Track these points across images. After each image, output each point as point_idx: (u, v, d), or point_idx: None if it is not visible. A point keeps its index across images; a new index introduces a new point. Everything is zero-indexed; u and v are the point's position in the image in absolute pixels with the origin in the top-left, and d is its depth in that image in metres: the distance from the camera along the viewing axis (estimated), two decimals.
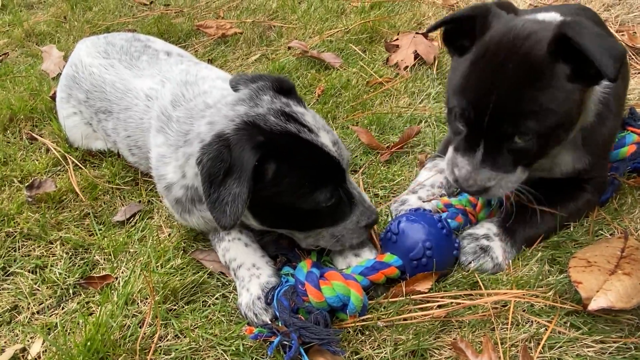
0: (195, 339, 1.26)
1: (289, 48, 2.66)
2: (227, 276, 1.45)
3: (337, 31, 2.75)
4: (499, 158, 1.26)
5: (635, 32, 2.66)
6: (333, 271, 1.27)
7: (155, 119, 1.53)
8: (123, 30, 2.98)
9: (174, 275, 1.43)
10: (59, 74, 2.51)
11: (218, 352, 1.24)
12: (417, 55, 2.38)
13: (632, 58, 2.52)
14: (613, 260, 1.30)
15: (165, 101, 1.53)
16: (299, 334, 1.15)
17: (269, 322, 1.24)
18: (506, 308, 1.26)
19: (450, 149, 1.38)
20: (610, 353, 1.17)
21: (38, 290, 1.49)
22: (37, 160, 1.99)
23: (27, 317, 1.42)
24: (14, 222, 1.69)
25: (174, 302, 1.38)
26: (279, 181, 1.25)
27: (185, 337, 1.28)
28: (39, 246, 1.63)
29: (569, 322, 1.23)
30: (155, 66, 1.76)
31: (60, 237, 1.64)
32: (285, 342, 1.16)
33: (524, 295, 1.27)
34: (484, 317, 1.23)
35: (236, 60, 2.70)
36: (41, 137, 2.11)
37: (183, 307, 1.37)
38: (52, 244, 1.63)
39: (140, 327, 1.30)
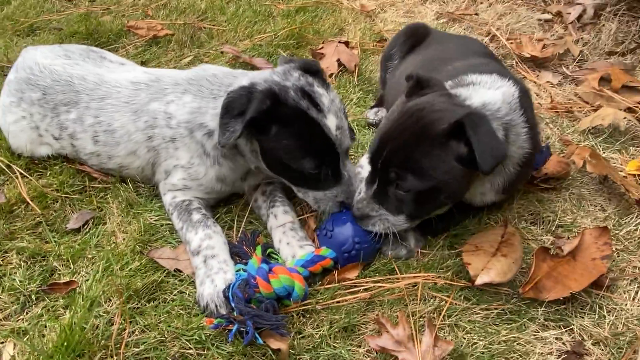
0: (160, 332, 1.47)
1: (222, 53, 2.82)
2: (182, 273, 1.65)
3: (267, 36, 2.95)
4: (386, 198, 1.56)
5: (521, 41, 3.11)
6: (279, 266, 1.53)
7: (172, 86, 1.83)
8: (49, 29, 2.97)
9: (134, 277, 1.61)
10: None
11: (182, 342, 1.45)
12: (340, 63, 2.65)
13: (518, 64, 2.97)
14: (495, 245, 1.67)
15: (182, 74, 1.88)
16: (253, 321, 1.40)
17: (226, 314, 1.47)
18: (416, 288, 1.58)
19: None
20: (492, 317, 1.54)
21: (1, 299, 1.60)
22: None
23: None
24: None
25: (137, 301, 1.56)
26: (278, 140, 1.61)
27: (151, 331, 1.48)
28: None
29: (463, 296, 1.58)
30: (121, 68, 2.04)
31: (15, 246, 1.74)
32: (242, 329, 1.40)
33: (429, 276, 1.61)
34: (400, 296, 1.55)
35: (169, 62, 2.81)
36: None
37: (145, 305, 1.56)
38: (7, 253, 1.73)
39: (110, 326, 1.48)
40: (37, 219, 1.84)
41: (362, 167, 1.86)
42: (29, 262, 1.70)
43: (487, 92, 1.62)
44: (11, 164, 2.01)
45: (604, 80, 2.75)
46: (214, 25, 3.09)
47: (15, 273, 1.66)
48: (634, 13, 3.36)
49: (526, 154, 1.66)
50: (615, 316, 1.57)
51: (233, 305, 1.47)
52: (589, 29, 3.36)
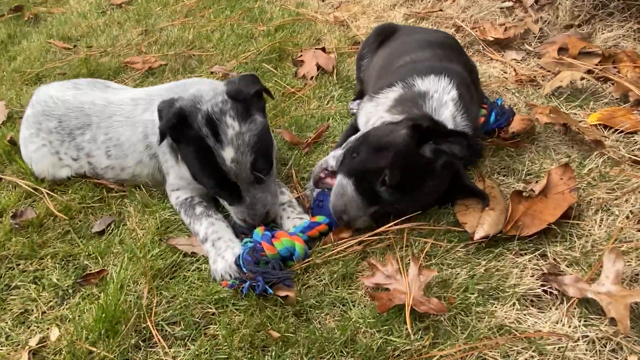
0: (184, 299, 1.68)
1: (212, 73, 3.09)
2: (196, 254, 1.87)
3: (250, 53, 3.23)
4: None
5: (484, 28, 3.37)
6: (281, 231, 1.74)
7: (158, 97, 2.01)
8: (54, 75, 3.27)
9: (156, 260, 1.83)
10: (4, 121, 2.79)
11: (204, 305, 1.66)
12: (319, 67, 2.91)
13: (485, 48, 3.22)
14: (479, 201, 1.85)
15: (169, 85, 2.20)
16: (263, 277, 1.61)
17: (239, 276, 1.68)
18: (402, 235, 1.79)
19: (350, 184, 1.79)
20: (472, 252, 1.73)
21: (42, 295, 1.82)
22: (7, 197, 2.28)
23: (38, 315, 1.75)
24: (6, 247, 2.00)
25: (161, 279, 1.78)
26: (185, 155, 1.83)
27: (175, 300, 1.69)
28: (32, 262, 1.94)
29: (445, 239, 1.78)
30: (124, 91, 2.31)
31: (49, 252, 1.97)
32: (254, 284, 1.60)
33: (414, 224, 1.81)
34: (389, 243, 1.76)
35: None
36: (5, 176, 2.39)
37: (168, 282, 1.78)
38: (42, 259, 1.96)
39: (140, 300, 1.69)
40: (65, 228, 2.07)
41: (332, 157, 1.98)
42: (62, 263, 1.93)
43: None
44: (37, 187, 2.26)
45: (564, 50, 3.00)
46: (202, 52, 3.39)
47: (52, 273, 1.88)
48: None
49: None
50: (585, 240, 1.76)
51: (245, 270, 1.68)
52: (546, 9, 3.62)
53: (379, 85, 2.22)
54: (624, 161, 2.07)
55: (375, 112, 2.08)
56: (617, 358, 1.41)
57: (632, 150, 2.15)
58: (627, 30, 3.13)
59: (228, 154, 1.71)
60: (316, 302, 1.61)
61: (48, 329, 1.69)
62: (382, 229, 1.79)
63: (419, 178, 1.74)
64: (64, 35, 3.87)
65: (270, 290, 1.58)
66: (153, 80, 3.16)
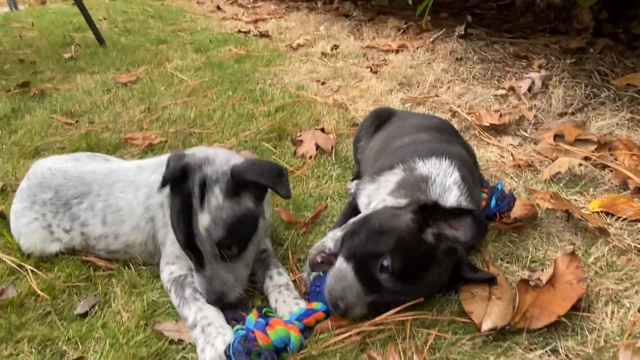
0: None
1: None
2: (183, 342, 1.74)
3: (250, 132, 3.27)
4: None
5: (480, 114, 3.46)
6: (275, 319, 1.64)
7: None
8: (53, 149, 3.27)
9: (139, 347, 1.70)
10: None
11: None
12: (318, 147, 2.93)
13: (481, 133, 3.28)
14: (486, 288, 1.78)
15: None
16: None
17: None
18: (404, 326, 1.68)
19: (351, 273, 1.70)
20: (479, 346, 1.62)
21: None
22: None
23: None
24: None
25: None
26: (171, 204, 1.82)
27: None
28: (7, 346, 1.80)
29: (450, 330, 1.68)
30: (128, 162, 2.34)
31: (26, 335, 1.83)
32: None
33: (416, 314, 1.71)
34: (389, 334, 1.65)
35: None
36: None
37: None
38: (19, 342, 1.82)
39: None
40: (46, 308, 1.95)
41: (330, 239, 1.95)
42: (39, 348, 1.79)
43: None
44: (22, 263, 2.16)
45: (559, 137, 3.05)
46: (203, 130, 3.43)
47: (27, 359, 1.74)
48: (578, 80, 3.78)
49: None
50: (597, 334, 1.66)
51: None
52: (540, 97, 3.74)
53: (378, 166, 2.21)
54: (630, 250, 2.01)
55: (376, 195, 2.05)
56: None
57: (637, 239, 2.10)
58: (621, 119, 3.21)
59: (204, 219, 1.72)
60: None
61: None
62: (381, 317, 1.69)
63: (422, 265, 1.67)
64: (67, 111, 3.93)
65: None
66: (152, 156, 3.15)
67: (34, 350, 1.78)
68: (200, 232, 1.73)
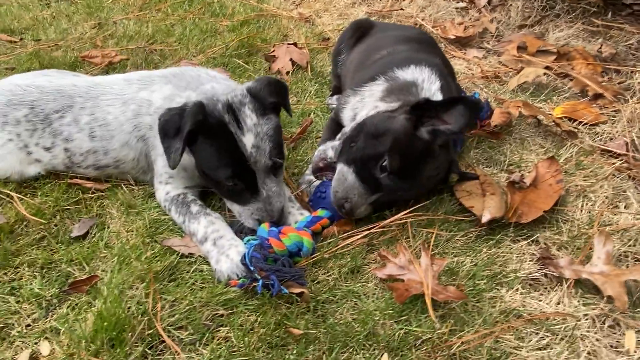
0: (189, 302, 1.60)
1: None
2: (193, 255, 1.79)
3: (218, 48, 3.14)
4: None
5: (445, 27, 3.49)
6: (287, 226, 1.70)
7: (159, 77, 2.03)
8: (1, 71, 3.01)
9: (151, 263, 1.73)
10: None
11: (211, 307, 1.58)
12: (293, 62, 2.88)
13: (447, 46, 3.33)
14: (478, 187, 1.92)
15: (170, 70, 2.12)
16: (277, 276, 1.56)
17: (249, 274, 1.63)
18: (405, 227, 1.81)
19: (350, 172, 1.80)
20: (472, 240, 1.79)
21: (23, 307, 1.66)
22: None
23: (22, 330, 1.60)
24: None
25: (159, 282, 1.68)
26: (200, 149, 1.75)
27: (179, 303, 1.60)
28: (7, 272, 1.77)
29: (445, 228, 1.83)
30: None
31: (25, 260, 1.80)
32: (267, 283, 1.55)
33: (414, 215, 1.84)
34: (392, 235, 1.78)
35: None
36: None
37: (167, 285, 1.68)
38: (18, 268, 1.79)
39: (140, 306, 1.59)
40: (40, 233, 1.91)
41: (331, 147, 2.02)
42: (42, 272, 1.77)
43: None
44: (3, 190, 2.06)
45: (521, 48, 3.17)
46: (165, 46, 3.25)
47: (31, 283, 1.72)
48: None
49: None
50: (570, 225, 1.87)
51: (252, 269, 1.62)
52: (499, 10, 3.80)
53: (358, 79, 2.23)
54: (594, 150, 2.22)
55: (364, 105, 2.09)
56: (615, 333, 1.51)
57: (595, 141, 2.31)
58: (576, 30, 3.36)
59: (249, 139, 1.72)
60: (329, 297, 1.60)
61: (36, 343, 1.55)
62: (386, 222, 1.80)
63: (419, 161, 1.76)
64: (5, 28, 3.56)
65: (286, 290, 1.54)
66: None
67: (36, 274, 1.76)
68: (250, 152, 1.71)
